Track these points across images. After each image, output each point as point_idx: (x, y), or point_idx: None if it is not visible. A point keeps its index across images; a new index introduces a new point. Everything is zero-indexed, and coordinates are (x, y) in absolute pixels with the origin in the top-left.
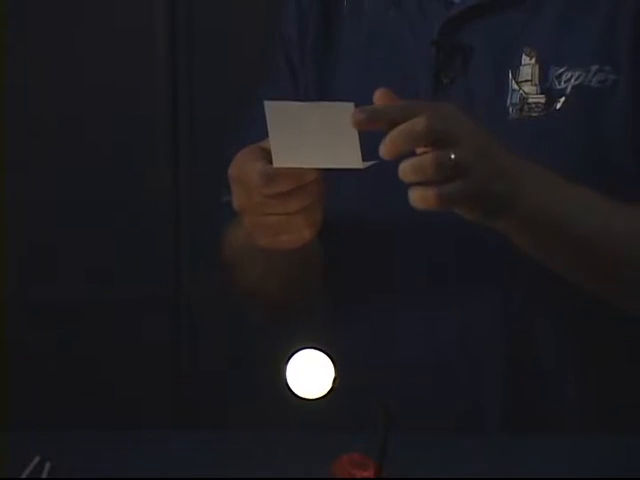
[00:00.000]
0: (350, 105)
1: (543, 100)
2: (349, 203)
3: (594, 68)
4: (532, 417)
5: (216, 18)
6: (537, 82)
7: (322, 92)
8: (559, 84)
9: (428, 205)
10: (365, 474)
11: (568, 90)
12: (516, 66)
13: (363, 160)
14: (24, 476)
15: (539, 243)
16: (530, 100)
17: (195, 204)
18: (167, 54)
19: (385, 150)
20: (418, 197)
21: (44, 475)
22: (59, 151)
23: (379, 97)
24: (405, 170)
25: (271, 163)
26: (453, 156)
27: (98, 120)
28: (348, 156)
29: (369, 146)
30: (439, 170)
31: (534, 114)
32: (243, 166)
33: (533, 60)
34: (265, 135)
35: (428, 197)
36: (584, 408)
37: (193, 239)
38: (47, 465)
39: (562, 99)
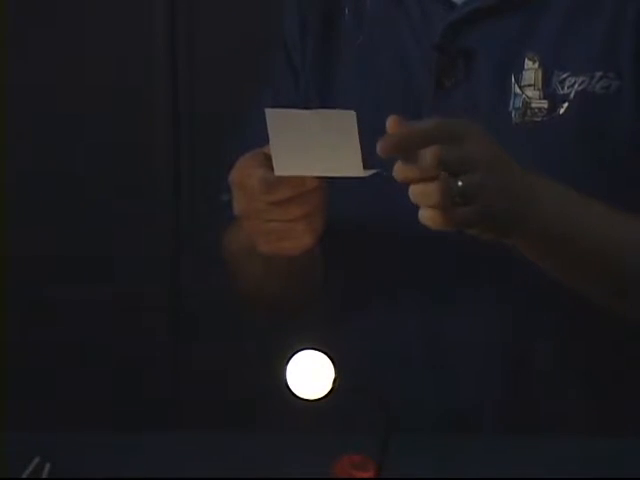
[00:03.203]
0: (351, 113)
1: (546, 105)
2: (350, 206)
3: (598, 74)
4: (532, 418)
5: (216, 18)
6: (540, 87)
7: (323, 95)
8: (562, 89)
9: (437, 226)
10: (365, 475)
11: (571, 95)
12: (519, 70)
13: (364, 168)
14: (24, 476)
15: (551, 259)
16: (533, 105)
17: (195, 204)
18: (167, 54)
19: (400, 181)
20: (427, 218)
21: (44, 475)
22: (59, 151)
23: (391, 126)
24: (413, 194)
25: (273, 169)
26: (460, 183)
27: (98, 120)
28: (349, 164)
29: (370, 154)
30: (445, 198)
31: (537, 119)
32: (245, 172)
33: (536, 65)
34: (265, 137)
35: (437, 219)
36: (584, 410)
37: (193, 238)
38: (47, 465)
39: (565, 104)
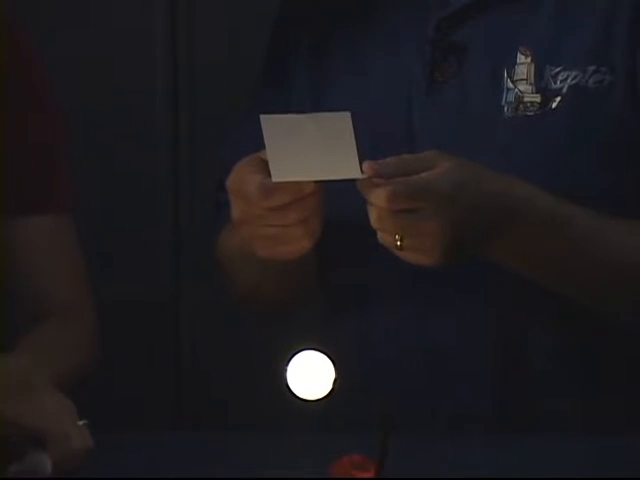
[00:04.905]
0: (347, 115)
1: (538, 99)
2: (346, 204)
3: (591, 69)
4: (530, 417)
5: (216, 18)
6: (533, 81)
7: (315, 91)
8: (555, 83)
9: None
10: (365, 475)
11: (564, 90)
12: (511, 65)
13: (362, 169)
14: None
15: (532, 270)
16: (525, 99)
17: (195, 204)
18: (167, 54)
19: None
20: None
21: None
22: None
23: (366, 170)
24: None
25: (270, 175)
26: (399, 243)
27: (97, 120)
28: (347, 166)
29: (366, 154)
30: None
31: (529, 113)
32: (242, 178)
33: (529, 59)
34: (260, 139)
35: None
36: (580, 408)
37: (193, 239)
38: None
39: (558, 99)
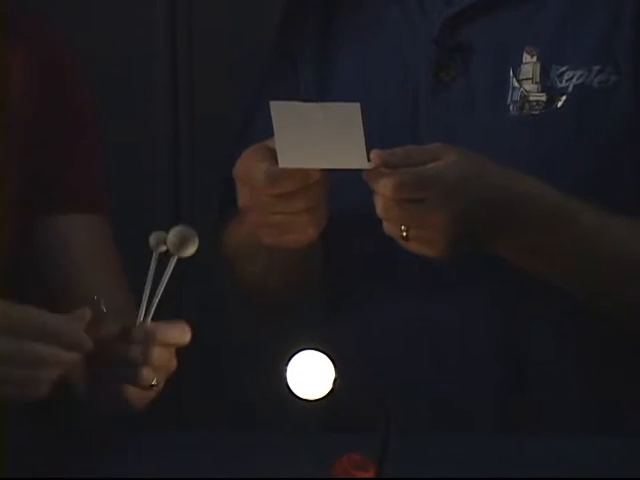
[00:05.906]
0: (356, 106)
1: (544, 98)
2: (348, 199)
3: (596, 68)
4: (529, 416)
5: (216, 17)
6: (538, 80)
7: (321, 89)
8: (560, 83)
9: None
10: (365, 475)
11: (569, 89)
12: (517, 64)
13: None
14: None
15: (534, 265)
16: (531, 98)
17: (195, 204)
18: (167, 54)
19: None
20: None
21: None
22: None
23: (373, 160)
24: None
25: (277, 163)
26: (405, 234)
27: (97, 119)
28: (354, 156)
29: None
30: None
31: (535, 112)
32: (249, 166)
33: (534, 58)
34: (266, 132)
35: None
36: (583, 407)
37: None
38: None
39: (563, 98)
